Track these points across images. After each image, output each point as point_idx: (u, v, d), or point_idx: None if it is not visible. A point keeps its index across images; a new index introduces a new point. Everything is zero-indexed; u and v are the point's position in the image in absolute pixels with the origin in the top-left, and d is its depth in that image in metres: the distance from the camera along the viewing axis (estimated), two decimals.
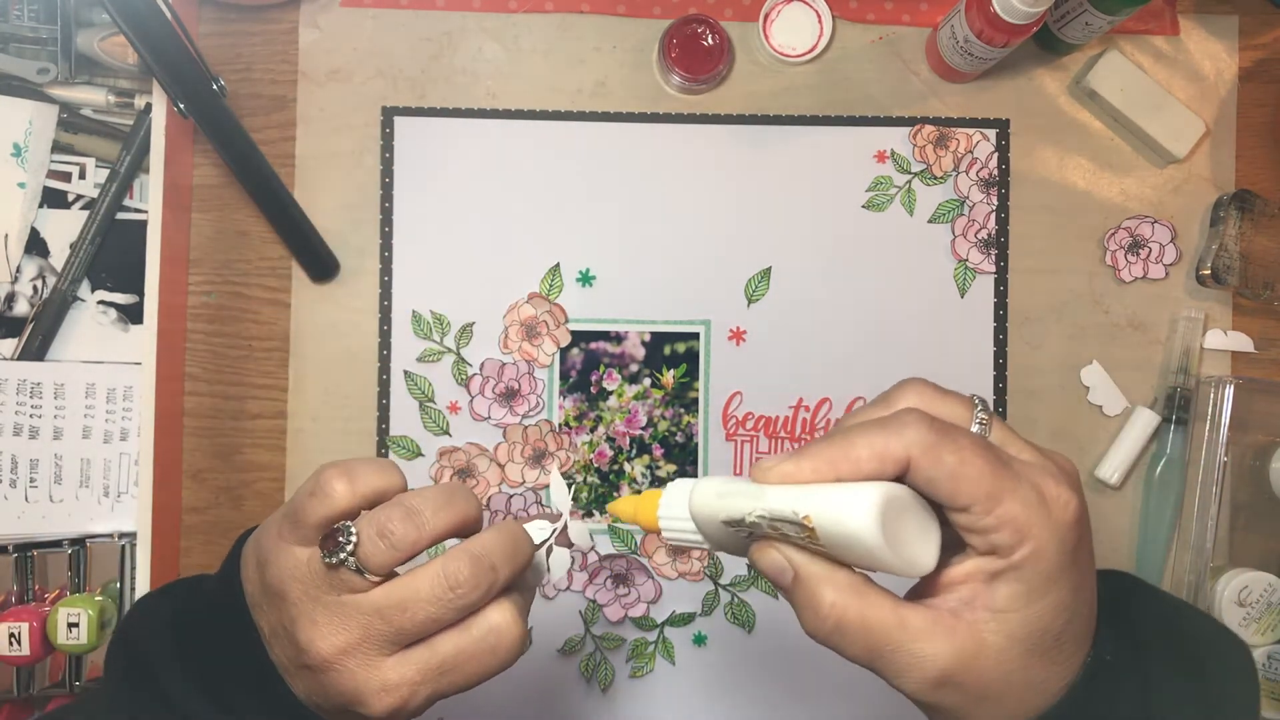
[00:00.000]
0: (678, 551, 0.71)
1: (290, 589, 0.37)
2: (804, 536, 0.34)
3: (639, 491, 0.72)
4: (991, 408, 0.36)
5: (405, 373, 0.71)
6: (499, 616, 0.38)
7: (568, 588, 0.71)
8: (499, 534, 0.39)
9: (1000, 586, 0.33)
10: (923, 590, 0.35)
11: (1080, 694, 0.35)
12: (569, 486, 0.71)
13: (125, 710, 0.39)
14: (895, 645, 0.33)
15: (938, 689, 0.33)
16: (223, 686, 0.39)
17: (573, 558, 0.45)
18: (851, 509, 0.32)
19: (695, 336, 0.72)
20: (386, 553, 0.37)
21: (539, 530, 0.44)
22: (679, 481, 0.39)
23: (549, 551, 0.45)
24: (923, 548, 0.33)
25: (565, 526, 0.46)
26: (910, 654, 0.33)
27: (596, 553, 0.71)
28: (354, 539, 0.37)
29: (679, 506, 0.38)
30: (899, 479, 0.33)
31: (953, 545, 0.34)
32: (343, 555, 0.36)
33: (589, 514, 0.72)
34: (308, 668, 0.37)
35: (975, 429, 0.35)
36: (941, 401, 0.36)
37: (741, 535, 0.36)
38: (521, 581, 0.41)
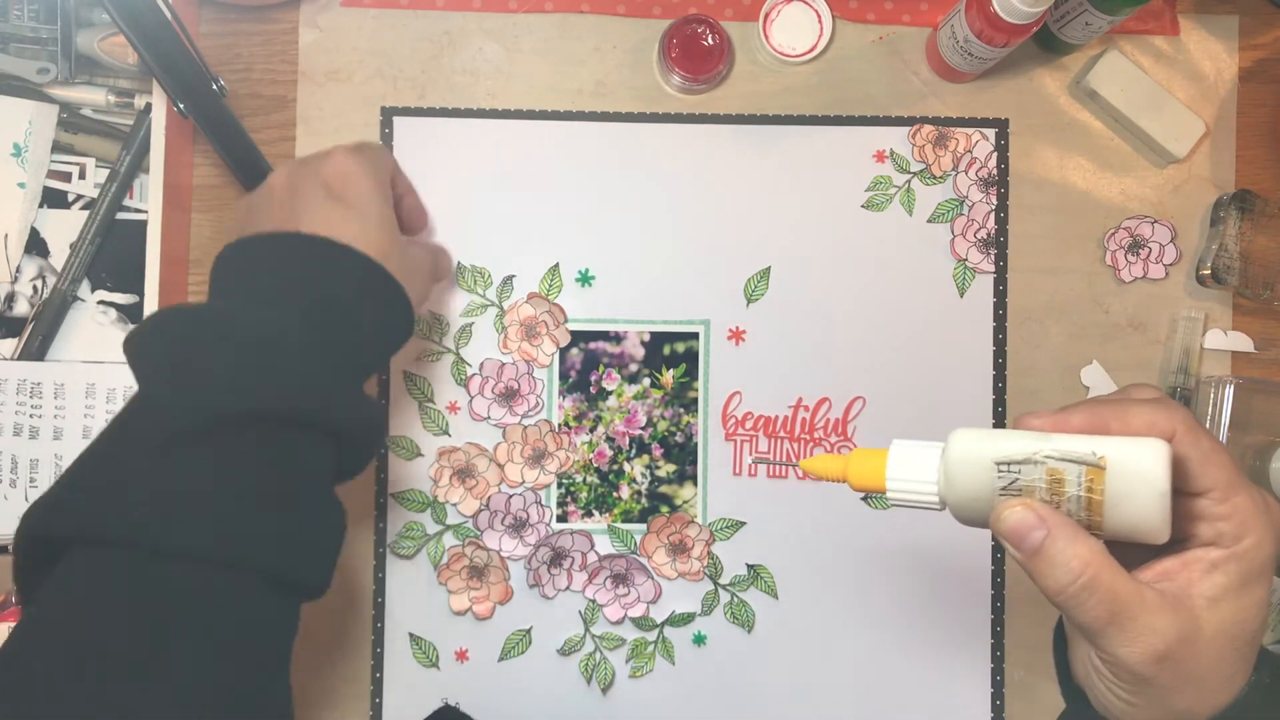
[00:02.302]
0: (678, 551, 0.71)
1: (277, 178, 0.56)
2: (1085, 481, 0.35)
3: (639, 491, 0.72)
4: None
5: (405, 373, 0.71)
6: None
7: (547, 585, 0.71)
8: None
9: (1217, 576, 0.36)
10: (1137, 576, 0.37)
11: (1244, 703, 0.37)
12: (558, 504, 0.71)
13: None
14: (1133, 614, 0.35)
15: (1159, 663, 0.35)
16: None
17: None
18: (1150, 454, 0.34)
19: (695, 336, 0.72)
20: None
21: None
22: (904, 440, 0.39)
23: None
24: (1170, 516, 0.35)
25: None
26: (1144, 625, 0.35)
27: (596, 553, 0.71)
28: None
29: (915, 460, 0.39)
30: None
31: (1154, 547, 0.36)
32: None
33: (588, 514, 0.72)
34: (334, 197, 0.54)
35: None
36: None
37: (998, 487, 0.37)
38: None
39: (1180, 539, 0.37)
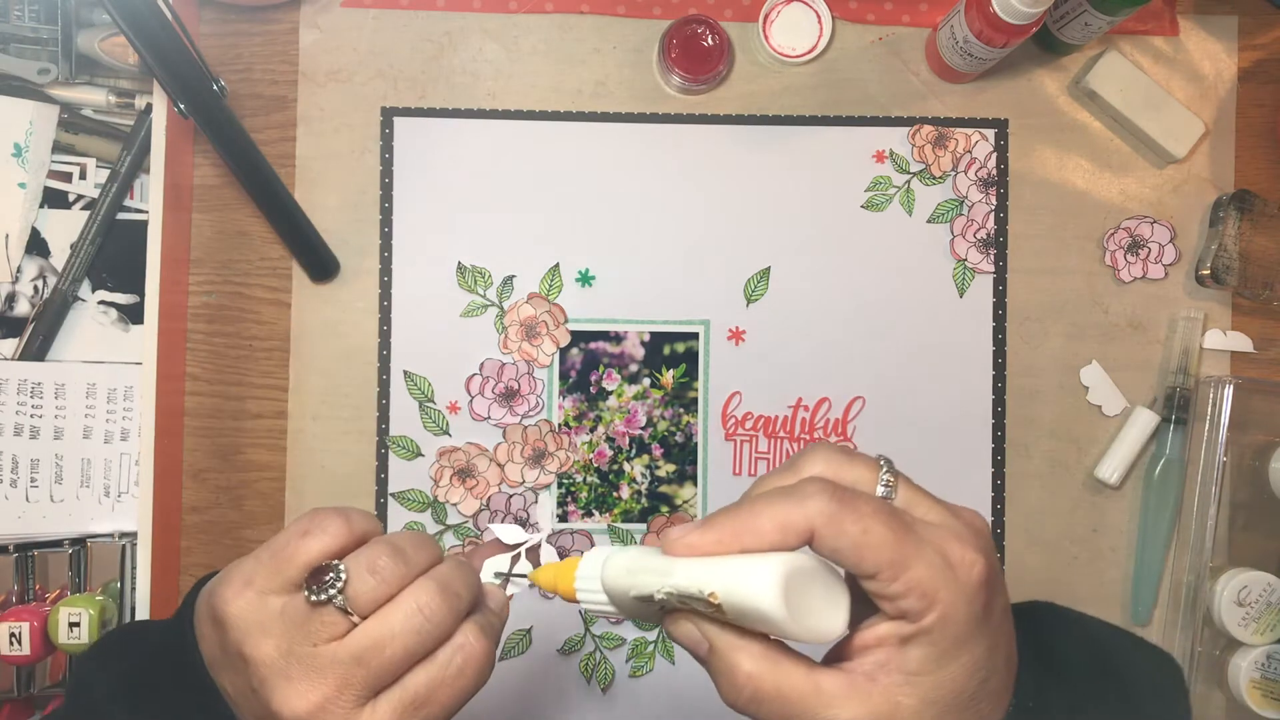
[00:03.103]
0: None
1: (260, 646, 0.36)
2: (710, 611, 0.34)
3: (639, 491, 0.72)
4: (896, 467, 0.36)
5: (405, 373, 0.71)
6: (463, 637, 0.38)
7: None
8: (453, 563, 0.39)
9: (912, 650, 0.33)
10: (838, 654, 0.35)
11: None
12: (558, 504, 0.71)
13: None
14: (811, 712, 0.33)
15: None
16: None
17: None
18: (754, 583, 0.32)
19: (694, 336, 0.72)
20: (376, 588, 0.36)
21: (509, 533, 0.44)
22: (595, 551, 0.39)
23: (515, 561, 0.45)
24: (830, 614, 0.33)
25: (539, 545, 0.46)
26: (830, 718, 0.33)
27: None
28: (343, 576, 0.36)
29: (594, 578, 0.38)
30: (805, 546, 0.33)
31: (868, 604, 0.34)
32: (331, 592, 0.36)
33: (588, 514, 0.72)
34: None
35: (881, 491, 0.35)
36: (847, 466, 0.36)
37: (654, 608, 0.36)
38: (482, 606, 0.41)
39: (878, 606, 0.34)
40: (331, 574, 0.36)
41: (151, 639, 0.42)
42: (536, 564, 0.44)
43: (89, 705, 0.39)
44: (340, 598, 0.36)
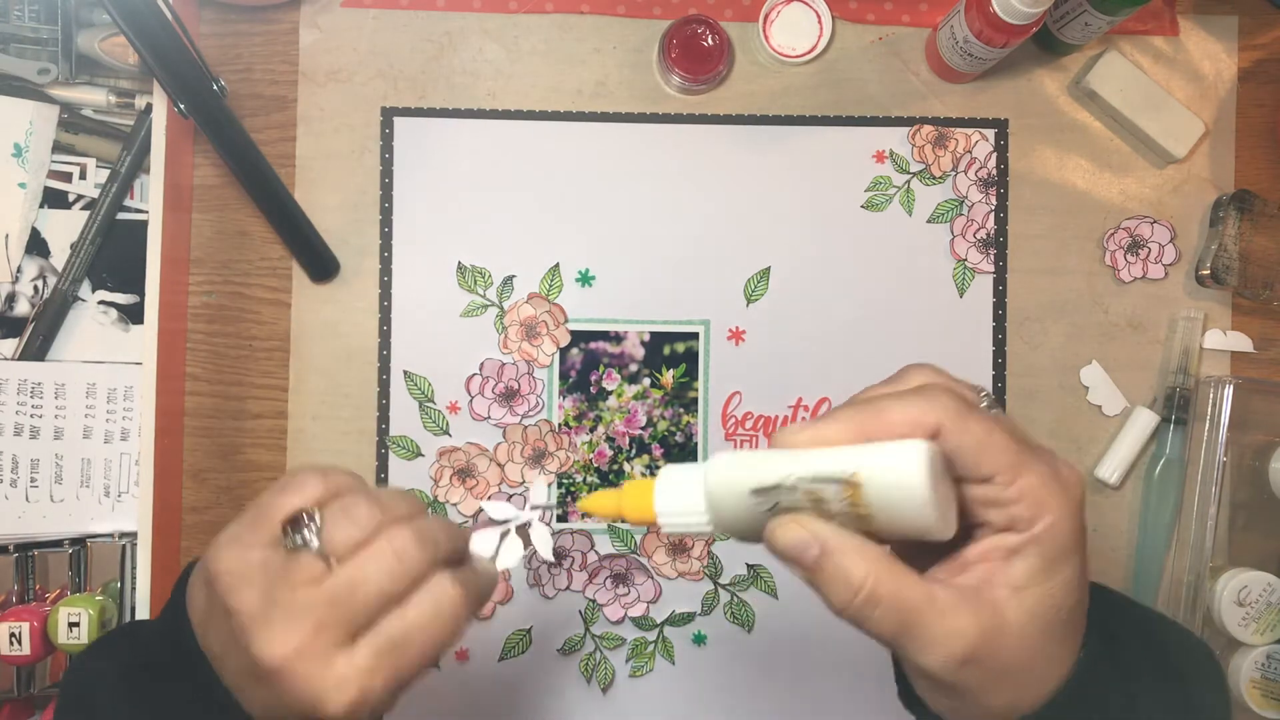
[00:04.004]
0: (678, 551, 0.71)
1: (242, 596, 0.37)
2: (845, 498, 0.33)
3: None
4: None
5: (405, 373, 0.71)
6: (438, 584, 0.38)
7: (547, 585, 0.71)
8: (436, 519, 0.40)
9: (1018, 562, 0.33)
10: (933, 574, 0.35)
11: (1074, 684, 0.35)
12: (558, 493, 0.71)
13: None
14: (925, 620, 0.33)
15: (963, 667, 0.33)
16: None
17: (528, 555, 0.44)
18: (903, 460, 0.32)
19: (694, 336, 0.72)
20: (352, 533, 0.37)
21: (499, 510, 0.44)
22: (671, 467, 0.38)
23: (503, 536, 0.45)
24: (951, 510, 0.33)
25: (529, 524, 0.46)
26: (939, 629, 0.33)
27: (596, 553, 0.71)
28: (318, 521, 0.37)
29: (681, 490, 0.37)
30: None
31: (957, 536, 0.34)
32: (308, 535, 0.37)
33: (586, 514, 0.72)
34: (262, 679, 0.36)
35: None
36: (954, 382, 0.37)
37: (761, 510, 0.35)
38: (465, 563, 0.41)
39: (978, 524, 0.34)
40: (307, 518, 0.37)
41: (146, 632, 0.42)
42: (526, 541, 0.44)
43: (87, 698, 0.40)
44: (316, 541, 0.37)
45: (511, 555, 0.44)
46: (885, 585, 0.33)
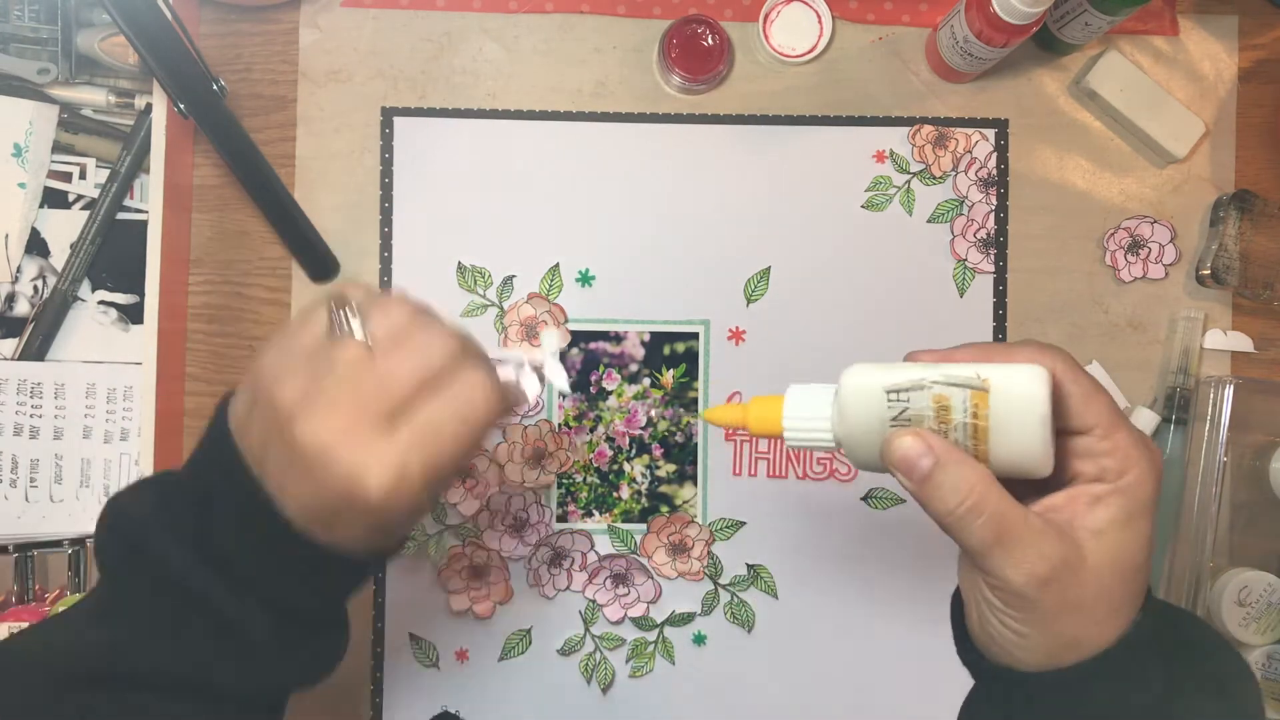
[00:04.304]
0: (678, 551, 0.71)
1: (286, 386, 0.37)
2: (970, 406, 0.36)
3: (639, 491, 0.72)
4: None
5: None
6: (471, 373, 0.39)
7: (546, 585, 0.71)
8: (462, 327, 0.42)
9: (1100, 510, 0.37)
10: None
11: (1130, 640, 0.38)
12: (559, 503, 0.71)
13: (132, 601, 0.40)
14: (1019, 536, 0.36)
15: (1044, 585, 0.36)
16: (226, 555, 0.39)
17: (542, 382, 0.46)
18: (1030, 375, 0.35)
19: (694, 336, 0.72)
20: (392, 325, 0.39)
21: (510, 354, 0.45)
22: (800, 386, 0.41)
23: (519, 368, 0.46)
24: (1051, 449, 0.36)
25: (543, 363, 0.47)
26: (1030, 547, 0.36)
27: (596, 553, 0.71)
28: (359, 312, 0.39)
29: (809, 400, 0.40)
30: None
31: (1041, 486, 0.38)
32: (351, 322, 0.38)
33: (588, 514, 0.72)
34: (302, 466, 0.37)
35: None
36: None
37: (889, 418, 0.38)
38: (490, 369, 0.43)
39: (1066, 478, 0.38)
40: (349, 308, 0.39)
41: (179, 470, 0.43)
42: (542, 379, 0.45)
43: (129, 531, 0.40)
44: (360, 330, 0.38)
45: (530, 389, 0.45)
46: (990, 498, 0.36)
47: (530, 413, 0.71)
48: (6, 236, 0.70)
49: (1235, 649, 0.42)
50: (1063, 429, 0.37)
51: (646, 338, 0.72)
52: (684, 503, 0.72)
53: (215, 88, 0.62)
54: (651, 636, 0.72)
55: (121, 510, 0.41)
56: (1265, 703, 0.69)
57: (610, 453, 0.72)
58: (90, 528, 0.70)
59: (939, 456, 0.37)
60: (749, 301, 0.72)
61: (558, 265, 0.72)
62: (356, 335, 0.38)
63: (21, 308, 0.71)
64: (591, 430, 0.72)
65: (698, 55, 0.70)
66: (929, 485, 0.37)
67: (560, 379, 0.48)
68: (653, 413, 0.71)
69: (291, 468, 0.37)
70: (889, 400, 0.37)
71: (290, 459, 0.37)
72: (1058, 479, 0.38)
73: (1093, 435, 0.37)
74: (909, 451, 0.37)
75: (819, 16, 0.71)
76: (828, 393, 0.40)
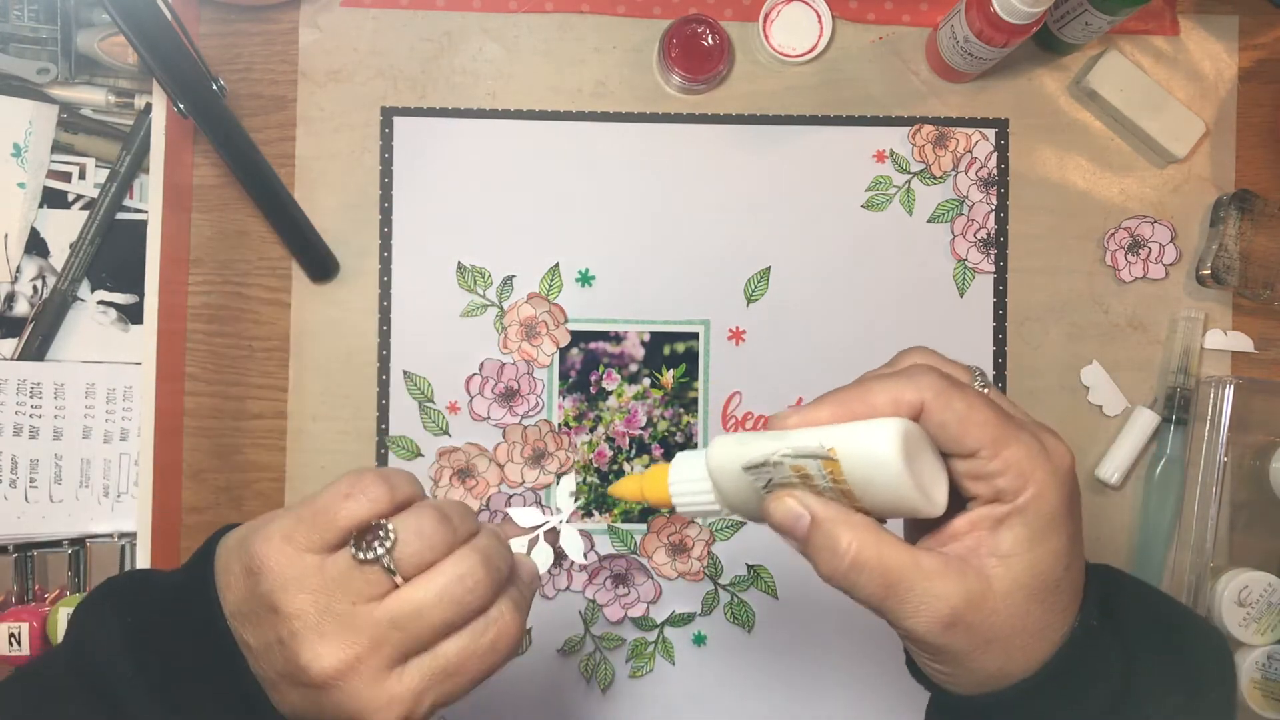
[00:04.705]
0: (678, 551, 0.71)
1: (295, 599, 0.35)
2: (826, 473, 0.35)
3: None
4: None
5: (405, 373, 0.71)
6: (498, 611, 0.37)
7: (546, 585, 0.71)
8: (492, 536, 0.39)
9: (1004, 532, 0.34)
10: (924, 544, 0.36)
11: (1069, 652, 0.36)
12: (576, 490, 0.71)
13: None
14: (909, 584, 0.34)
15: (948, 630, 0.34)
16: (194, 707, 0.37)
17: (558, 559, 0.45)
18: (875, 436, 0.33)
19: (694, 336, 0.72)
20: (422, 552, 0.36)
21: (526, 516, 0.44)
22: (684, 453, 0.40)
23: (532, 544, 0.45)
24: (936, 487, 0.34)
25: (556, 529, 0.46)
26: (924, 593, 0.34)
27: (596, 553, 0.71)
28: (392, 536, 0.36)
29: (690, 473, 0.39)
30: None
31: (949, 508, 0.35)
32: (380, 550, 0.35)
33: (588, 514, 0.72)
34: (306, 685, 0.35)
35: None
36: (947, 364, 0.38)
37: (759, 487, 0.37)
38: (515, 579, 0.40)
39: (969, 499, 0.36)
40: (381, 533, 0.36)
41: (163, 589, 0.40)
42: (554, 544, 0.44)
43: (93, 656, 0.37)
44: (388, 558, 0.35)
45: (542, 562, 0.44)
46: (869, 551, 0.34)
47: (530, 413, 0.71)
48: (6, 236, 0.70)
49: (1208, 626, 0.41)
50: (950, 454, 0.35)
51: (646, 338, 0.72)
52: None
53: (215, 87, 0.62)
54: (651, 637, 0.72)
55: (85, 639, 0.38)
56: (1248, 692, 0.69)
57: (610, 453, 0.72)
58: (90, 527, 0.70)
59: (814, 516, 0.35)
60: (749, 301, 0.72)
61: (558, 265, 0.72)
62: (384, 562, 0.35)
63: (21, 308, 0.71)
64: (591, 430, 0.72)
65: (698, 55, 0.70)
66: (810, 546, 0.36)
67: (575, 550, 0.47)
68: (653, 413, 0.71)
69: (290, 681, 0.36)
70: (751, 475, 0.37)
71: (289, 674, 0.35)
72: (963, 499, 0.36)
73: (979, 458, 0.34)
74: (785, 516, 0.36)
75: (819, 16, 0.71)
76: (704, 461, 0.39)
